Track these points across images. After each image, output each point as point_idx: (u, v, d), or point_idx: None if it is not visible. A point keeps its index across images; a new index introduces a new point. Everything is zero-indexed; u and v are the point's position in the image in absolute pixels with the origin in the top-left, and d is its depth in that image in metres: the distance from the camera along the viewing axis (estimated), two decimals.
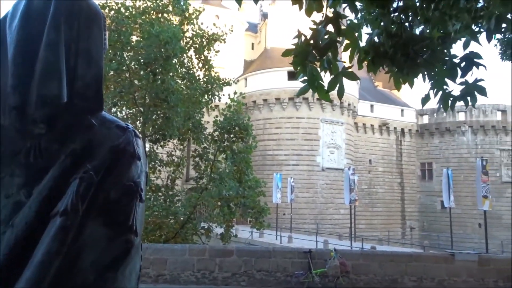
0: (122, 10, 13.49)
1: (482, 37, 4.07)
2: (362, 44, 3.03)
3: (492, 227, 36.02)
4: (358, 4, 2.85)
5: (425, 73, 2.77)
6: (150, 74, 12.95)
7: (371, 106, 43.85)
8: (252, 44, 45.21)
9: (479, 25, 3.08)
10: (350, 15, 3.27)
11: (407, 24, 2.68)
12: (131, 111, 14.50)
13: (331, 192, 36.23)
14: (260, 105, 37.50)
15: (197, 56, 15.05)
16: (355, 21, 2.80)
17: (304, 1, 2.58)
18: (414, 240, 41.02)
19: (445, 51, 2.86)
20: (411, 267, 11.42)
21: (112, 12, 13.31)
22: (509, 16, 2.76)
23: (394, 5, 2.75)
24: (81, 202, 1.04)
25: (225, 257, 10.79)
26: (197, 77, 14.93)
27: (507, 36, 3.38)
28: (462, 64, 2.48)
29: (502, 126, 43.00)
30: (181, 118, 13.12)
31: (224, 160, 14.90)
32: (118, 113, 13.84)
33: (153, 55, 12.68)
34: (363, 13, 2.73)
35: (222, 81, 15.37)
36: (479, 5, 3.03)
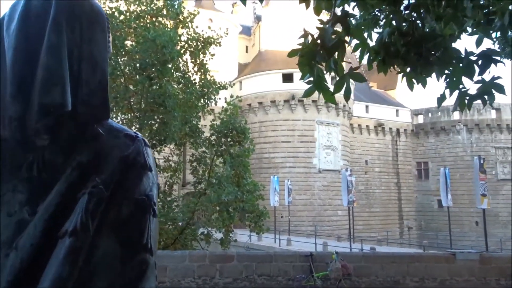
0: (116, 14, 13.39)
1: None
2: (371, 43, 2.95)
3: (489, 225, 36.09)
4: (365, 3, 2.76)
5: (439, 72, 2.69)
6: (147, 79, 12.84)
7: (366, 107, 43.95)
8: (246, 47, 45.19)
9: (492, 21, 3.00)
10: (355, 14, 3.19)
11: (418, 21, 2.59)
12: (126, 116, 14.37)
13: (329, 193, 36.21)
14: (255, 108, 37.44)
15: (193, 59, 14.96)
16: (363, 20, 2.72)
17: (311, 0, 2.49)
18: (412, 240, 41.07)
19: (457, 48, 2.78)
20: (413, 267, 11.37)
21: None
22: None
23: (405, 2, 2.67)
24: (92, 220, 0.96)
25: (226, 262, 10.67)
26: (193, 81, 14.84)
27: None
28: (479, 62, 2.39)
29: (497, 124, 43.26)
30: (179, 122, 13.01)
31: (222, 164, 14.80)
32: (114, 119, 13.71)
33: (149, 60, 12.58)
34: (372, 12, 2.63)
35: (218, 85, 15.29)
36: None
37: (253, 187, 14.91)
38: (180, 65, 14.54)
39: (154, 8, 14.14)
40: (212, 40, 14.84)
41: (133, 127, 13.85)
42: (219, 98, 15.65)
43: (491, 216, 36.33)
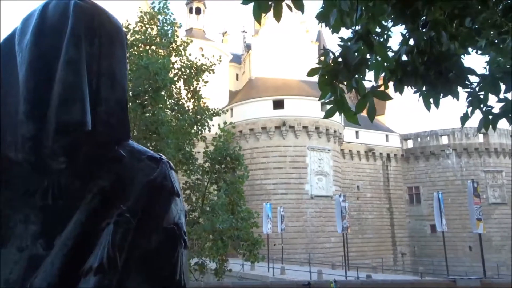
0: None
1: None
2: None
3: (483, 250, 36.06)
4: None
5: (456, 90, 2.61)
6: (139, 106, 12.75)
7: (356, 132, 44.30)
8: (237, 74, 45.71)
9: (505, 41, 2.96)
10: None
11: (435, 40, 2.53)
12: None
13: (321, 220, 35.93)
14: (247, 135, 37.49)
15: (186, 86, 14.98)
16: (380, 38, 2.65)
17: (331, 18, 2.42)
18: (406, 266, 40.72)
19: (471, 68, 2.73)
20: None
21: None
22: None
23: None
24: (119, 254, 0.85)
25: None
26: (186, 108, 14.81)
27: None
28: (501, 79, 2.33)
29: (485, 148, 43.82)
30: (172, 149, 12.87)
31: (216, 191, 14.59)
32: None
33: (142, 87, 12.52)
34: (387, 31, 2.57)
35: (212, 111, 15.27)
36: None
37: (247, 214, 14.68)
38: (174, 92, 14.53)
39: (148, 37, 14.22)
40: (206, 67, 14.92)
41: None
42: (212, 125, 15.60)
43: (484, 241, 36.16)
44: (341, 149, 41.59)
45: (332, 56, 2.35)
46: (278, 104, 37.17)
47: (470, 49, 2.73)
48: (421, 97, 2.78)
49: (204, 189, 14.59)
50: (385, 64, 2.57)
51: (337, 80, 2.33)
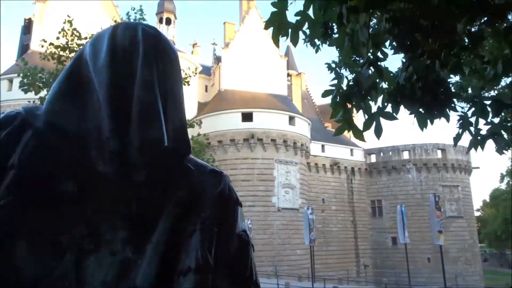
0: None
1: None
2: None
3: (440, 261, 37.47)
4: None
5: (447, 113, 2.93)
6: None
7: (322, 146, 45.26)
8: (206, 86, 45.70)
9: (486, 69, 3.33)
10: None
11: (431, 67, 2.84)
12: None
13: (288, 232, 36.22)
14: (215, 147, 37.44)
15: None
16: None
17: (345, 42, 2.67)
18: (369, 278, 41.57)
19: (460, 93, 3.07)
20: None
21: (73, 54, 12.98)
22: None
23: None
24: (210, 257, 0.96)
25: None
26: None
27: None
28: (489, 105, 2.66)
29: (443, 164, 45.80)
30: None
31: None
32: None
33: None
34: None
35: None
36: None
37: None
38: None
39: None
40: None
41: None
42: None
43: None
44: (308, 162, 42.29)
45: (345, 80, 2.60)
46: (247, 117, 37.45)
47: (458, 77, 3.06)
48: (414, 117, 3.09)
49: None
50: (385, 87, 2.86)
51: (350, 102, 2.58)
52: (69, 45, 13.12)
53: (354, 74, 2.57)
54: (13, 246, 0.82)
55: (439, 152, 46.19)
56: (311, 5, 2.53)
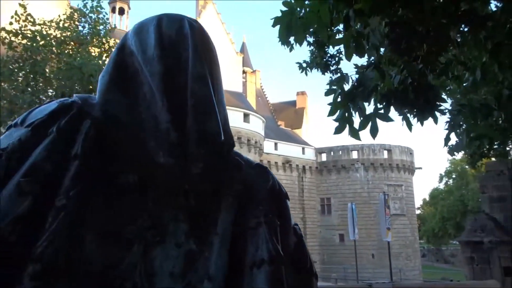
0: (38, 38, 12.49)
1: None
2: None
3: (384, 257, 39.35)
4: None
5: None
6: None
7: (275, 144, 45.84)
8: None
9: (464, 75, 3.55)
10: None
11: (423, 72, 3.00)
12: None
13: None
14: None
15: None
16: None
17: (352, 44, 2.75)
18: (318, 273, 42.68)
19: (444, 98, 3.26)
20: None
21: (26, 40, 12.24)
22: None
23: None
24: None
25: None
26: None
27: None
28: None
29: (389, 164, 47.96)
30: None
31: None
32: None
33: (73, 89, 11.85)
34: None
35: None
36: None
37: None
38: None
39: (80, 35, 13.51)
40: None
41: None
42: None
43: (385, 249, 39.59)
44: (261, 159, 42.67)
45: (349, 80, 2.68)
46: None
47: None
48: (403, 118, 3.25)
49: None
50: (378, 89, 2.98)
51: (353, 102, 2.65)
52: (22, 31, 12.36)
53: (358, 75, 2.65)
54: (83, 236, 0.81)
55: (385, 152, 48.29)
56: (318, 8, 2.58)
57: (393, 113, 3.29)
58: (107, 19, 14.79)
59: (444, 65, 3.17)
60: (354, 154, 48.27)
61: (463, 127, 3.19)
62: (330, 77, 6.73)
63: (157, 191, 0.92)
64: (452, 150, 10.88)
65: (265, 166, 1.16)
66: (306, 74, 6.75)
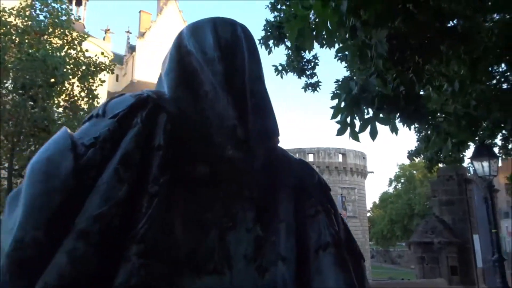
0: None
1: None
2: None
3: None
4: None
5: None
6: (29, 100, 11.52)
7: None
8: (117, 75, 43.48)
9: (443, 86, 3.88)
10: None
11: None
12: None
13: None
14: None
15: (82, 85, 13.96)
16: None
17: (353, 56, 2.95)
18: None
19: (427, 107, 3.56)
20: None
21: None
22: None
23: None
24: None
25: None
26: (80, 107, 13.80)
27: None
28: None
29: (343, 167, 49.39)
30: None
31: None
32: None
33: (30, 81, 11.29)
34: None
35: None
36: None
37: None
38: (67, 89, 13.42)
39: (42, 25, 12.94)
40: (104, 66, 14.16)
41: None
42: None
43: None
44: None
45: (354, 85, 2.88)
46: None
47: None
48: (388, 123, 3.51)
49: None
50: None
51: (357, 106, 2.85)
52: None
53: (361, 82, 2.86)
54: (172, 221, 0.89)
55: (340, 156, 49.70)
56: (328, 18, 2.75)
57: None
58: (71, 9, 14.29)
59: (429, 76, 3.46)
60: (310, 157, 49.24)
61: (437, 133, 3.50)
62: (306, 81, 6.99)
63: (226, 182, 1.01)
64: (411, 155, 11.47)
65: (307, 162, 1.29)
66: (281, 77, 6.93)
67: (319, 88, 6.97)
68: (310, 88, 6.79)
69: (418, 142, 10.16)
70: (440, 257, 14.86)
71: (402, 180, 62.54)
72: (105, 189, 0.84)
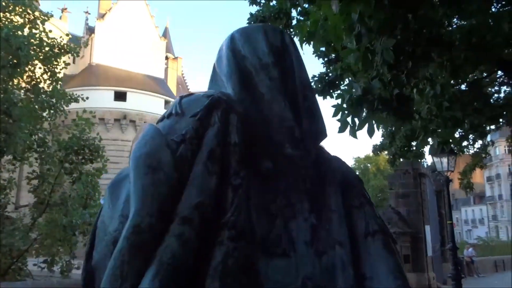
0: None
1: None
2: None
3: None
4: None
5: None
6: None
7: None
8: (74, 57, 41.65)
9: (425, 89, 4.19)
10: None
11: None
12: None
13: None
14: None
15: (44, 67, 13.37)
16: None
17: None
18: None
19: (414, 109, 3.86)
20: None
21: None
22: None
23: None
24: None
25: None
26: (42, 90, 13.24)
27: None
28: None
29: None
30: (25, 134, 11.41)
31: (70, 183, 13.42)
32: None
33: None
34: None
35: (69, 97, 14.06)
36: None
37: (99, 209, 13.84)
38: (28, 70, 12.81)
39: (3, 2, 12.24)
40: (70, 48, 13.64)
41: None
42: (69, 112, 14.29)
43: None
44: None
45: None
46: (120, 96, 35.58)
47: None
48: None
49: (54, 180, 13.25)
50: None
51: (360, 107, 3.07)
52: None
53: (364, 85, 3.07)
54: (249, 209, 1.04)
55: None
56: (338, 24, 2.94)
57: None
58: None
59: (416, 79, 3.74)
60: None
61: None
62: None
63: (287, 177, 1.15)
64: (376, 150, 11.97)
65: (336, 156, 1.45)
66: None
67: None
68: None
69: (382, 137, 10.67)
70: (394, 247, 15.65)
71: (358, 173, 64.47)
72: (199, 181, 0.97)
